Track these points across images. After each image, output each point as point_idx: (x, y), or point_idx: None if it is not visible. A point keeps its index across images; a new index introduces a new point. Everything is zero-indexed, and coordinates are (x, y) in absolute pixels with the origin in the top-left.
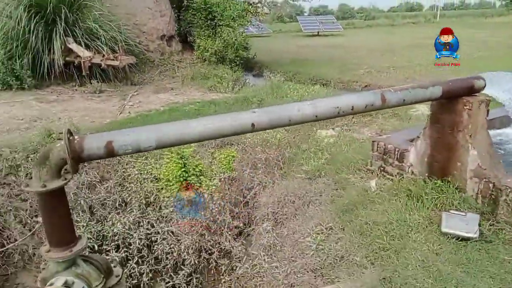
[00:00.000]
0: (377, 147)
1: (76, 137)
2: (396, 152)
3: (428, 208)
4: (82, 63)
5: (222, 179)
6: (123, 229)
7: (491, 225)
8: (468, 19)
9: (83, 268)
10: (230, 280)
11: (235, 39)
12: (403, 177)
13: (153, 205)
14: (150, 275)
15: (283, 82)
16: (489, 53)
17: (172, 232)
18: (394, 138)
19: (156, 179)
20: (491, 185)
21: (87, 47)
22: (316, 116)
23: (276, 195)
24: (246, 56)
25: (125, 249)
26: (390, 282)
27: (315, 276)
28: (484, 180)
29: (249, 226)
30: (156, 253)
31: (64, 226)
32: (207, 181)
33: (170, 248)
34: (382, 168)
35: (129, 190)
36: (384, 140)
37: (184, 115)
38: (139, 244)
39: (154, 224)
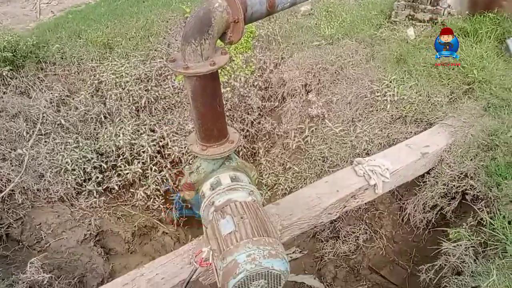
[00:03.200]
0: None
1: None
2: None
3: (487, 40)
4: None
5: (243, 60)
6: (126, 140)
7: None
8: None
9: (237, 161)
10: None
11: None
12: (437, 21)
13: (144, 109)
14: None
15: None
16: None
17: (177, 133)
18: None
19: (139, 79)
20: None
21: None
22: None
23: (302, 67)
24: None
25: (136, 160)
26: (499, 107)
27: (404, 123)
28: None
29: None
30: (173, 155)
31: (223, 115)
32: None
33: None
34: (410, 17)
35: (112, 98)
36: None
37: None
38: (151, 151)
39: (156, 128)
